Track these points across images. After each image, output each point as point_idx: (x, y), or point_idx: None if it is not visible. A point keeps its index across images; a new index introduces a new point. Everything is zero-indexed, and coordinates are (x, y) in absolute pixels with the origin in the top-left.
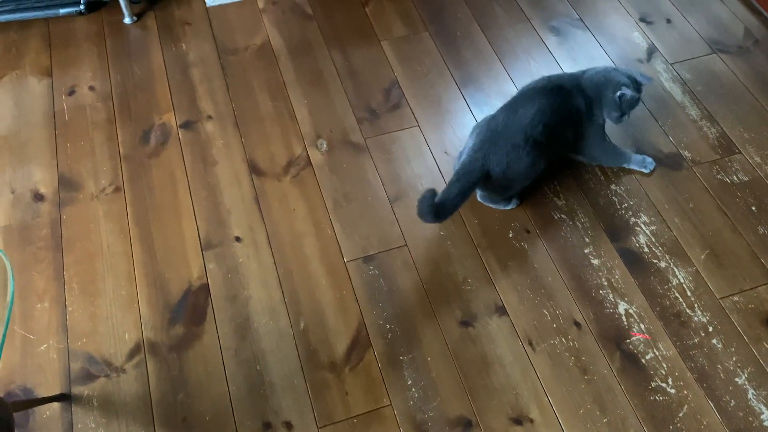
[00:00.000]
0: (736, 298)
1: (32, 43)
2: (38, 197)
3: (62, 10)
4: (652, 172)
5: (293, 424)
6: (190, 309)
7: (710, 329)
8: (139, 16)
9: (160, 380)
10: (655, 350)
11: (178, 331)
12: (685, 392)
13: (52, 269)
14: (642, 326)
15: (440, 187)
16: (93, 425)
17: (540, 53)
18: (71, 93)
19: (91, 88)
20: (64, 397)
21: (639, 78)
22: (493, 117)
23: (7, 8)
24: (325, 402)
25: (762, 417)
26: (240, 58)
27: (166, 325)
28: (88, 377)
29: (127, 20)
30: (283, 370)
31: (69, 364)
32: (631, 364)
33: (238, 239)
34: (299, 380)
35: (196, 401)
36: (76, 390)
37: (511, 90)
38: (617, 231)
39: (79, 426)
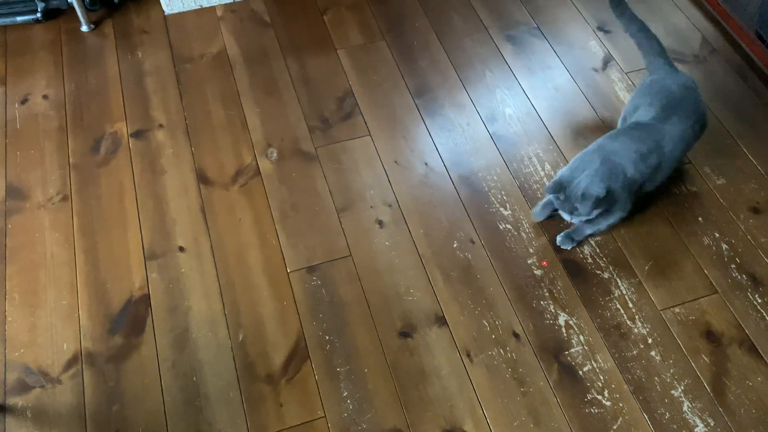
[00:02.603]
0: (677, 310)
1: None
2: None
3: (19, 18)
4: None
5: None
6: (130, 319)
7: (650, 341)
8: (96, 23)
9: (96, 391)
10: (593, 362)
11: (116, 342)
12: (621, 405)
13: None
14: (581, 338)
15: (388, 196)
16: None
17: (496, 63)
18: (24, 101)
19: (45, 97)
20: None
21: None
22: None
23: None
24: (260, 414)
25: (696, 430)
26: (195, 66)
27: (105, 335)
28: (24, 388)
29: (84, 28)
30: (219, 382)
31: (5, 374)
32: (569, 376)
33: (181, 249)
34: (235, 392)
35: (130, 413)
36: (11, 401)
37: (464, 100)
38: None
39: None
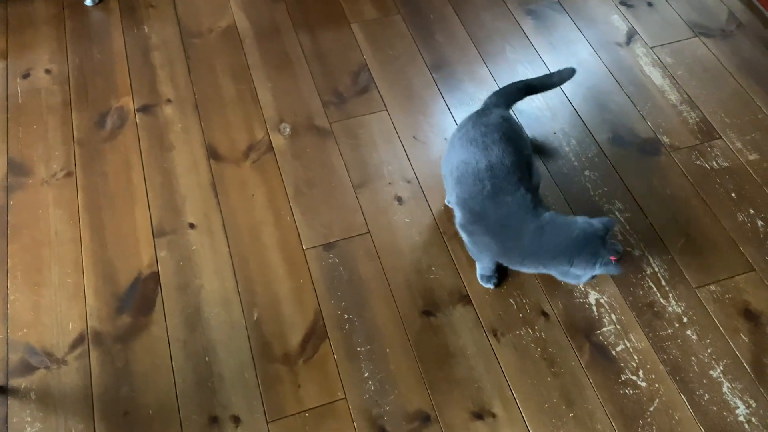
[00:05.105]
0: (712, 288)
1: None
2: None
3: None
4: None
5: (241, 419)
6: (139, 298)
7: (685, 320)
8: None
9: (103, 372)
10: (626, 341)
11: (124, 322)
12: (657, 385)
13: None
14: (613, 317)
15: (407, 172)
16: (29, 419)
17: (516, 38)
18: (26, 76)
19: (48, 71)
20: (0, 390)
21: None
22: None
23: None
24: (277, 395)
25: (737, 412)
26: (204, 41)
27: (113, 315)
28: (28, 369)
29: (88, 2)
30: (233, 363)
31: (8, 355)
32: (601, 356)
33: (192, 226)
34: (250, 373)
35: (140, 395)
36: (14, 382)
37: (485, 75)
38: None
39: (14, 420)
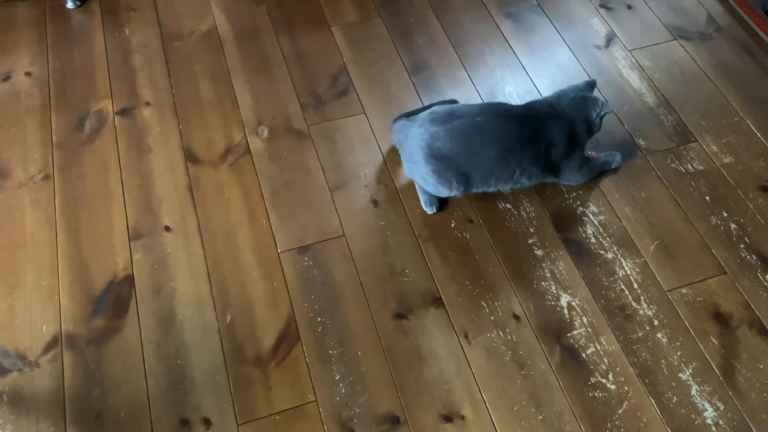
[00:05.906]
0: (684, 291)
1: None
2: None
3: None
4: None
5: (212, 421)
6: (113, 301)
7: (656, 323)
8: (83, 0)
9: (76, 375)
10: (596, 344)
11: (98, 324)
12: (626, 388)
13: None
14: (584, 319)
15: (383, 175)
16: (1, 421)
17: (496, 41)
18: (6, 79)
19: (28, 74)
20: None
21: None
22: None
23: None
24: (248, 398)
25: (705, 414)
26: (184, 44)
27: (87, 317)
28: (0, 371)
29: (69, 5)
30: (205, 365)
31: None
32: (571, 358)
33: (168, 229)
34: (221, 375)
35: (112, 397)
36: None
37: (463, 78)
38: (564, 221)
39: None
